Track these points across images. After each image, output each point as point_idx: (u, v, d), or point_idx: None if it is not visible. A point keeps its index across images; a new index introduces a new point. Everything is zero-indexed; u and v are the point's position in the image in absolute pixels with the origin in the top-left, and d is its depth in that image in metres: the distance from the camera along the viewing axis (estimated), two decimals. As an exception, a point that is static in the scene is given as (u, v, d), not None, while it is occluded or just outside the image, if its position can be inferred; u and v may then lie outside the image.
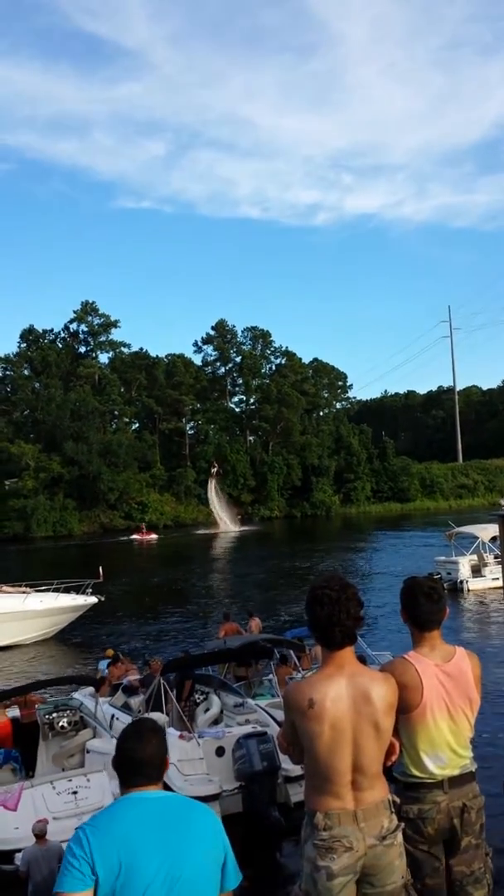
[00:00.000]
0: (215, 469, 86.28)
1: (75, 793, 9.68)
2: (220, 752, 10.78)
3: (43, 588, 25.18)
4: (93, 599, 25.57)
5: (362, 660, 12.45)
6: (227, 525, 78.24)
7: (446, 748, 3.84)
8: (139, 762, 2.74)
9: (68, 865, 2.54)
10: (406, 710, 3.74)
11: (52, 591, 25.19)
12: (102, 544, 67.31)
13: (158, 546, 65.80)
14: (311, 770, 3.48)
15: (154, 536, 71.72)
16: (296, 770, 9.97)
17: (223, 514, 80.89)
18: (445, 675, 3.85)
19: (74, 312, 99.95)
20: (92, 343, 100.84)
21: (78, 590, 25.83)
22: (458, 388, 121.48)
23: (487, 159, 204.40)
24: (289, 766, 10.18)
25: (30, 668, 21.26)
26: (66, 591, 25.62)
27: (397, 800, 3.60)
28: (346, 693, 3.38)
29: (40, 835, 8.26)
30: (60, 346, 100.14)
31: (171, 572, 45.31)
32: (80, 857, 2.52)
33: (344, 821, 3.38)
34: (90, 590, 25.70)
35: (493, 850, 4.12)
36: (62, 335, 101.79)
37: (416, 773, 3.85)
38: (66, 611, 25.36)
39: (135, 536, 71.31)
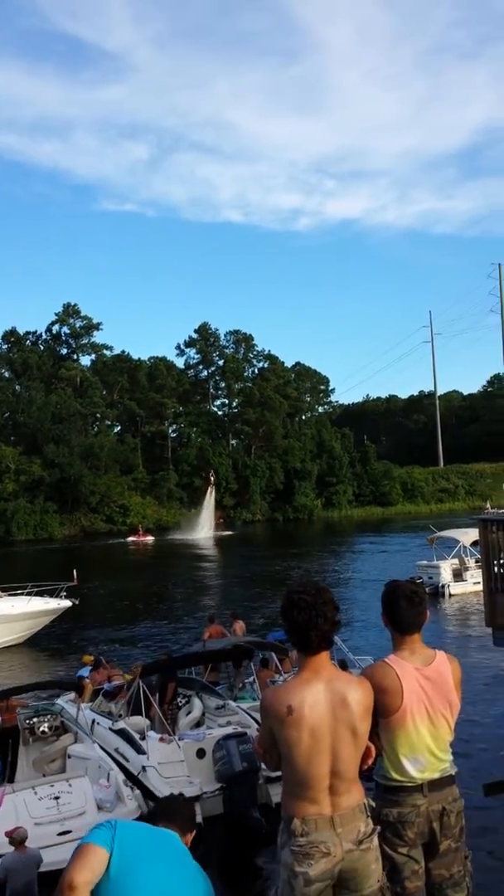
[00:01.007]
0: (213, 479, 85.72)
1: (57, 798, 9.63)
2: (200, 754, 10.77)
3: (16, 591, 24.91)
4: (66, 603, 25.25)
5: (343, 664, 12.55)
6: (207, 531, 78.09)
7: (426, 752, 3.85)
8: (174, 812, 3.17)
9: (100, 826, 2.81)
10: (386, 713, 3.75)
11: (25, 595, 24.85)
12: (83, 548, 67.04)
13: (140, 549, 65.58)
14: (288, 776, 3.48)
15: (151, 538, 71.66)
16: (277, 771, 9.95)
17: (209, 521, 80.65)
18: (425, 678, 3.86)
19: (56, 314, 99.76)
20: (74, 345, 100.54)
21: (52, 593, 25.54)
22: (439, 392, 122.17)
23: (469, 165, 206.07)
24: (270, 770, 10.17)
25: (0, 675, 20.96)
26: (40, 594, 25.30)
27: (373, 803, 3.61)
28: (323, 698, 3.38)
29: (20, 842, 8.19)
30: (42, 348, 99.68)
31: (152, 575, 45.19)
32: (107, 829, 2.78)
33: (321, 826, 3.38)
34: (64, 593, 25.41)
35: (472, 853, 4.14)
36: (44, 337, 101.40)
37: (396, 776, 3.86)
38: (38, 615, 25.02)
39: (131, 538, 71.20)
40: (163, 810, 3.22)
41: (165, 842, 2.91)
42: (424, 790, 3.86)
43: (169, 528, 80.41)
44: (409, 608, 3.94)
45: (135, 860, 2.71)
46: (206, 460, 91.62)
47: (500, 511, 46.47)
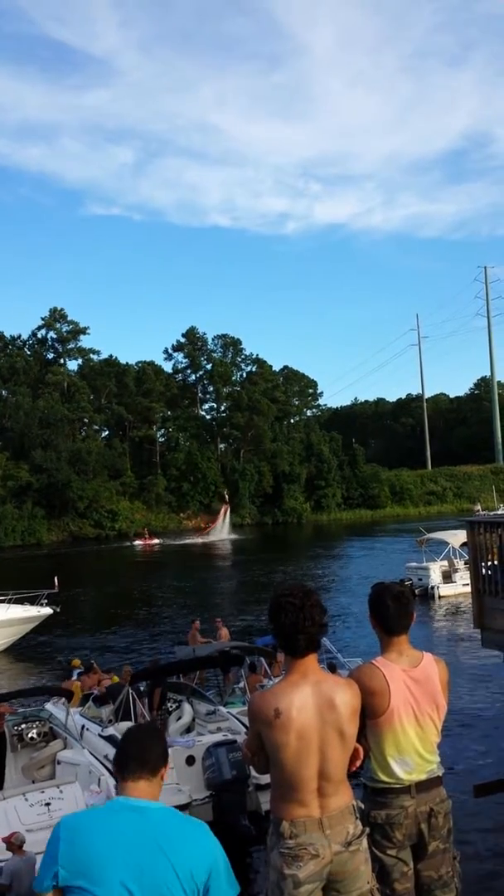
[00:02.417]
0: (227, 500, 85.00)
1: (48, 804, 9.61)
2: (190, 761, 10.74)
3: None
4: (47, 611, 24.92)
5: (333, 667, 12.55)
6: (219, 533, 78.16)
7: (413, 753, 3.86)
8: (138, 747, 2.76)
9: (42, 868, 2.60)
10: (373, 715, 3.76)
11: (5, 603, 24.55)
12: (71, 553, 66.85)
13: (147, 552, 65.42)
14: (276, 779, 3.48)
15: (157, 541, 71.65)
16: (265, 778, 9.90)
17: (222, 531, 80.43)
18: (413, 680, 3.87)
19: (43, 319, 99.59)
20: (61, 350, 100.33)
21: (34, 601, 25.25)
22: (427, 395, 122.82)
23: (454, 169, 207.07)
24: (258, 774, 10.16)
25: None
26: (20, 601, 25.05)
27: (362, 805, 3.61)
28: (311, 701, 3.39)
29: (19, 846, 8.21)
30: (29, 352, 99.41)
31: (140, 580, 45.06)
32: (47, 867, 2.55)
33: (310, 828, 3.38)
34: (45, 601, 25.12)
35: (461, 854, 4.15)
36: (30, 342, 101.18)
37: (383, 777, 3.87)
38: (17, 623, 24.69)
39: (138, 542, 71.19)
40: (133, 755, 2.74)
41: (131, 832, 2.55)
42: (412, 791, 3.87)
43: (157, 533, 80.00)
44: (395, 610, 3.95)
45: (85, 876, 2.49)
46: (195, 464, 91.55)
47: (490, 513, 46.68)
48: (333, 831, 3.39)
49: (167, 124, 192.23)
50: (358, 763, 3.62)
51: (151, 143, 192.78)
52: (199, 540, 73.90)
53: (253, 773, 10.13)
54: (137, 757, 2.71)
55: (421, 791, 3.88)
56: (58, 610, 25.10)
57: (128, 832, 2.54)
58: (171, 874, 2.50)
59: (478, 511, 58.46)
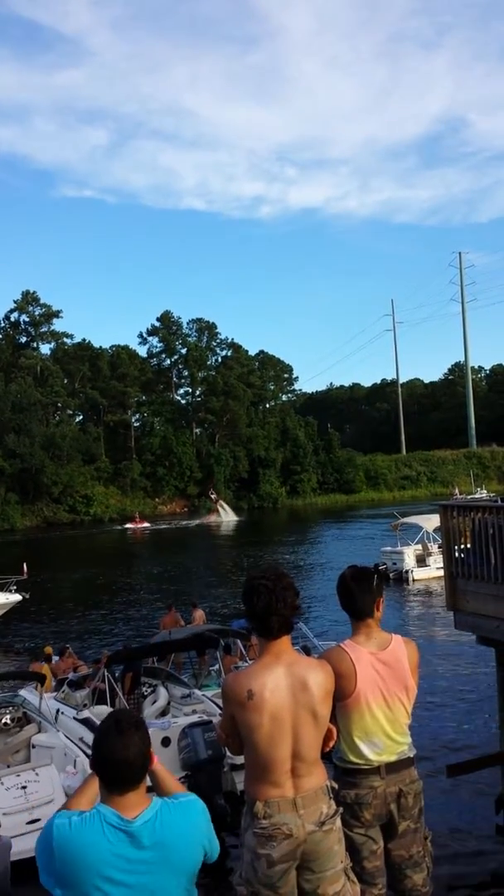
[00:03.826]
0: (215, 496, 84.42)
1: (24, 787, 9.64)
2: (165, 742, 10.78)
3: None
4: (15, 597, 24.75)
5: (307, 650, 12.60)
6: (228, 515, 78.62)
7: (382, 735, 3.90)
8: (122, 763, 2.53)
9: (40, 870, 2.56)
10: (341, 697, 3.80)
11: None
12: (46, 538, 66.51)
13: (138, 536, 65.16)
14: (250, 760, 3.50)
15: (147, 524, 71.57)
16: (241, 759, 9.98)
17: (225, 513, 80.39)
18: (381, 662, 3.91)
19: (15, 302, 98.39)
20: (33, 333, 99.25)
21: (2, 588, 25.05)
22: (402, 380, 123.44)
23: (429, 154, 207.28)
24: (233, 756, 10.22)
25: None
26: None
27: (335, 785, 3.64)
28: (284, 682, 3.40)
29: None
30: (0, 336, 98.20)
31: (113, 566, 44.97)
32: (47, 871, 2.54)
33: (283, 808, 3.40)
34: (14, 587, 24.96)
35: (432, 833, 4.20)
36: (2, 325, 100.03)
37: (352, 759, 3.91)
38: None
39: (129, 525, 71.13)
40: (108, 771, 2.57)
41: (124, 851, 2.51)
42: (381, 772, 3.91)
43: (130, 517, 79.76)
44: (356, 590, 3.99)
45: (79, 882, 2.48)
46: (170, 449, 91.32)
47: (468, 496, 47.16)
48: (307, 811, 3.41)
49: (140, 106, 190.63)
50: (331, 744, 3.65)
51: (125, 124, 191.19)
52: (193, 523, 74.50)
53: (228, 753, 10.18)
54: (122, 775, 2.56)
55: (391, 772, 3.93)
56: (27, 596, 24.93)
57: (121, 864, 2.50)
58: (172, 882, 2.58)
59: (456, 495, 59.05)
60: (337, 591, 4.08)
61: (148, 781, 2.66)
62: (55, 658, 16.66)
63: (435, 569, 29.30)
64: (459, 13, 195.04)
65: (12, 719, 11.97)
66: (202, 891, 2.78)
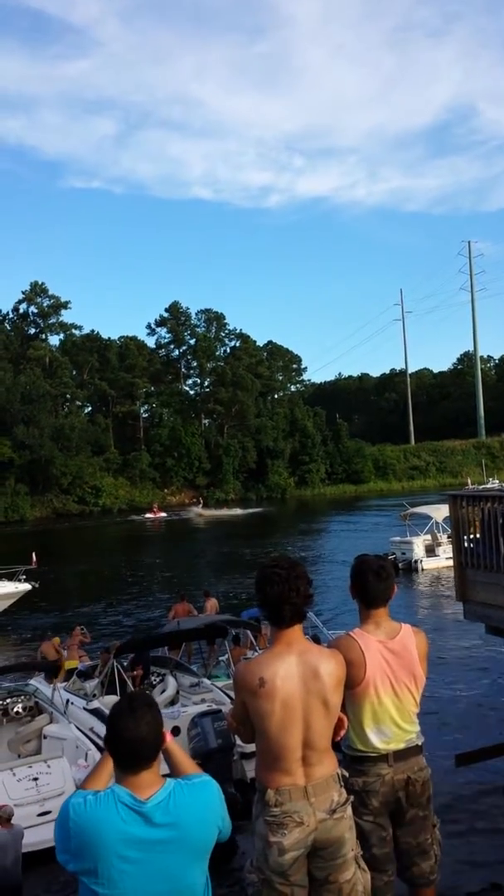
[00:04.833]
0: (201, 500, 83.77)
1: (36, 779, 9.69)
2: (175, 731, 10.81)
3: None
4: (25, 586, 24.81)
5: (317, 639, 12.62)
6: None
7: (390, 723, 3.92)
8: (134, 741, 2.60)
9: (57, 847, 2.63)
10: (350, 685, 3.81)
11: None
12: (55, 529, 66.75)
13: (156, 526, 65.25)
14: (262, 748, 3.52)
15: (164, 514, 71.94)
16: (251, 747, 10.00)
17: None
18: (390, 651, 3.93)
19: (23, 293, 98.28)
20: (42, 325, 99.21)
21: (11, 577, 25.14)
22: (410, 370, 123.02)
23: (437, 143, 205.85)
24: (244, 744, 10.25)
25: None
26: None
27: (346, 774, 3.66)
28: (295, 671, 3.42)
29: (7, 819, 8.23)
30: (9, 327, 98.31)
31: (124, 556, 45.10)
32: (63, 849, 2.60)
33: (295, 796, 3.42)
34: (23, 576, 25.03)
35: (440, 821, 4.21)
36: (11, 317, 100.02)
37: (361, 747, 3.94)
38: None
39: (148, 515, 71.37)
40: (129, 753, 2.63)
41: (137, 833, 2.56)
42: (389, 760, 3.94)
43: (142, 509, 79.88)
44: (376, 582, 3.99)
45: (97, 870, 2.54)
46: (179, 440, 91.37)
47: (479, 486, 47.01)
48: (318, 799, 3.43)
49: (148, 96, 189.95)
50: (343, 733, 3.67)
51: (132, 114, 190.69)
52: (201, 512, 74.38)
53: (238, 741, 10.22)
54: (135, 753, 2.63)
55: (399, 760, 3.95)
56: (36, 585, 25.01)
57: (134, 842, 2.55)
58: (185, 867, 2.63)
59: (468, 486, 58.86)
60: (352, 578, 4.09)
61: (165, 768, 2.69)
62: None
63: (444, 558, 29.22)
64: (467, 1, 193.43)
65: (24, 708, 12.04)
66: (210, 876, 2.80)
